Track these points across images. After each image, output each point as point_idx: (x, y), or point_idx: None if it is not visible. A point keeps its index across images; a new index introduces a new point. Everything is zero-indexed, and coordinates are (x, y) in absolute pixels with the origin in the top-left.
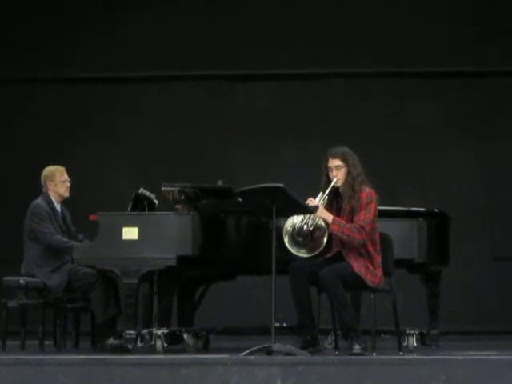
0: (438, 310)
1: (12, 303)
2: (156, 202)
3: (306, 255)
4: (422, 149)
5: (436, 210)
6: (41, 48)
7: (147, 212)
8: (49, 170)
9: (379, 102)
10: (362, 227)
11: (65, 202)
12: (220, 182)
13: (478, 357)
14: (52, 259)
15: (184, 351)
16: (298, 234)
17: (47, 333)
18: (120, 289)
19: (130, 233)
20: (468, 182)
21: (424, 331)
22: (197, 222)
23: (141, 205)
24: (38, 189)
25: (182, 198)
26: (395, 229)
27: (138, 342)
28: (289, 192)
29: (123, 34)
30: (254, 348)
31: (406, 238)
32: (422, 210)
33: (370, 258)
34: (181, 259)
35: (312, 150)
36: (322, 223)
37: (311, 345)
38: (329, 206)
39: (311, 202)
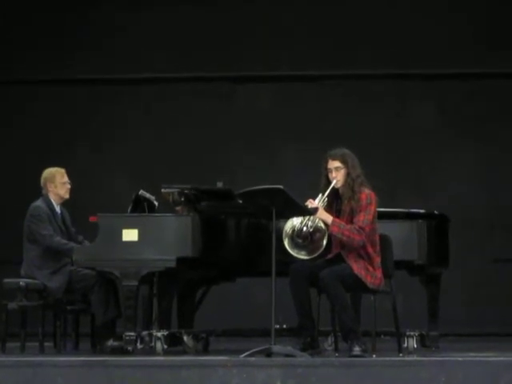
0: (437, 312)
1: (12, 305)
2: (156, 203)
3: (305, 257)
4: (423, 150)
5: (436, 212)
6: (41, 49)
7: (147, 214)
8: (49, 171)
9: (380, 104)
10: (362, 228)
11: (65, 204)
12: (220, 184)
13: (477, 358)
14: (52, 261)
15: (184, 353)
16: (297, 236)
17: (47, 334)
18: (120, 290)
19: (130, 234)
20: (468, 184)
21: (424, 333)
22: (197, 223)
23: (141, 206)
24: (38, 190)
25: (182, 199)
26: (395, 230)
27: (138, 344)
28: (288, 194)
29: (124, 36)
30: (254, 350)
31: (406, 239)
32: (421, 211)
33: (369, 259)
34: (181, 261)
35: (312, 151)
36: (322, 225)
37: (311, 346)
38: (328, 208)
39: (311, 203)
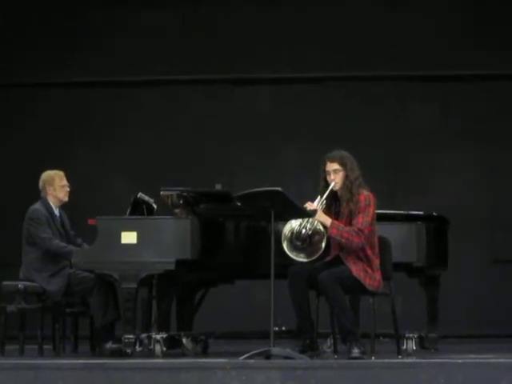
0: (437, 314)
1: (11, 308)
2: (155, 206)
3: (304, 260)
4: (423, 151)
5: (435, 214)
6: (41, 50)
7: (146, 216)
8: (48, 174)
9: (380, 105)
10: (361, 230)
11: (63, 207)
12: (218, 186)
13: (477, 360)
14: (51, 264)
15: (183, 355)
16: (296, 239)
17: (46, 337)
18: (119, 293)
19: (129, 237)
20: (468, 185)
21: (423, 335)
22: (195, 226)
23: (139, 209)
24: (37, 192)
25: (181, 202)
26: (394, 232)
27: (137, 347)
28: (287, 196)
29: (124, 37)
30: (253, 352)
31: (405, 241)
32: (420, 213)
33: (368, 261)
34: (179, 263)
35: (312, 153)
36: (321, 227)
37: (310, 348)
38: (327, 210)
39: (309, 205)
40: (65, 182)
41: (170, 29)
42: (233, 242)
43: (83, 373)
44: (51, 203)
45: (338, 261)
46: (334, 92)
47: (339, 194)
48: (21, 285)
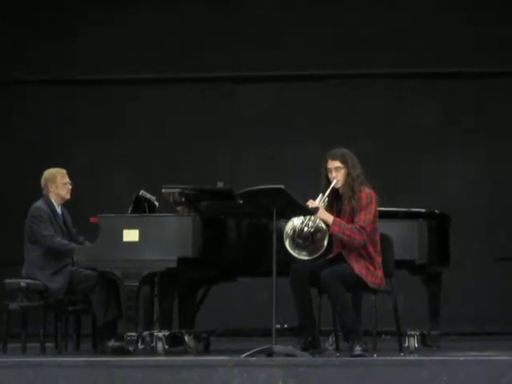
0: (438, 311)
1: (13, 306)
2: (156, 203)
3: (306, 257)
4: (423, 149)
5: (436, 211)
6: (41, 49)
7: (148, 214)
8: (50, 172)
9: (380, 103)
10: (363, 228)
11: (65, 204)
12: (220, 184)
13: (479, 358)
14: (53, 262)
15: (185, 353)
16: (298, 237)
17: (48, 335)
18: (121, 291)
19: (131, 235)
20: (469, 183)
21: (425, 332)
22: (197, 223)
23: (141, 207)
24: (38, 190)
25: (183, 199)
26: (396, 230)
27: (139, 344)
28: (289, 193)
29: (124, 35)
30: (255, 350)
31: (407, 239)
32: (422, 210)
33: (370, 259)
34: (181, 261)
35: (313, 151)
36: (323, 225)
37: (312, 346)
38: (329, 208)
39: (311, 203)
40: (67, 179)
41: (169, 28)
42: (234, 239)
43: (85, 370)
44: (53, 201)
45: (340, 258)
46: (334, 90)
47: (341, 191)
48: (23, 283)
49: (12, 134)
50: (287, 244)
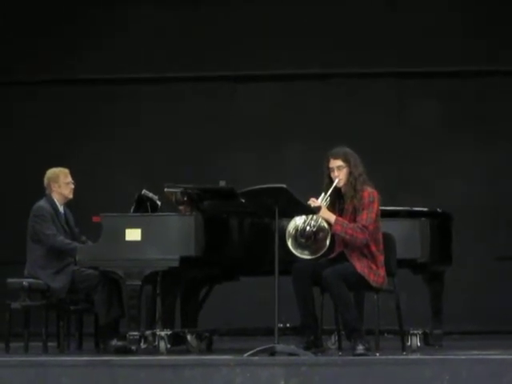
0: (441, 310)
1: (15, 305)
2: (159, 203)
3: (309, 257)
4: (423, 149)
5: (439, 210)
6: (41, 49)
7: (150, 213)
8: (52, 171)
9: (380, 102)
10: (365, 227)
11: (68, 204)
12: (222, 183)
13: (481, 356)
14: (55, 261)
15: (187, 352)
16: (301, 236)
17: (50, 334)
18: (123, 290)
19: (133, 234)
20: (469, 182)
21: (427, 331)
22: (200, 222)
23: (143, 206)
24: (40, 190)
25: (185, 199)
26: (398, 229)
27: (142, 344)
28: (291, 192)
29: (124, 35)
30: (258, 349)
31: (409, 237)
32: (424, 209)
33: (372, 258)
34: (184, 260)
35: (314, 150)
36: (325, 225)
37: (314, 345)
38: (331, 207)
39: (313, 202)
40: (69, 179)
41: (169, 27)
42: (237, 238)
43: (87, 370)
44: (56, 200)
45: (342, 257)
46: (335, 89)
47: (343, 190)
48: (25, 282)
49: (12, 134)
50: (289, 243)
